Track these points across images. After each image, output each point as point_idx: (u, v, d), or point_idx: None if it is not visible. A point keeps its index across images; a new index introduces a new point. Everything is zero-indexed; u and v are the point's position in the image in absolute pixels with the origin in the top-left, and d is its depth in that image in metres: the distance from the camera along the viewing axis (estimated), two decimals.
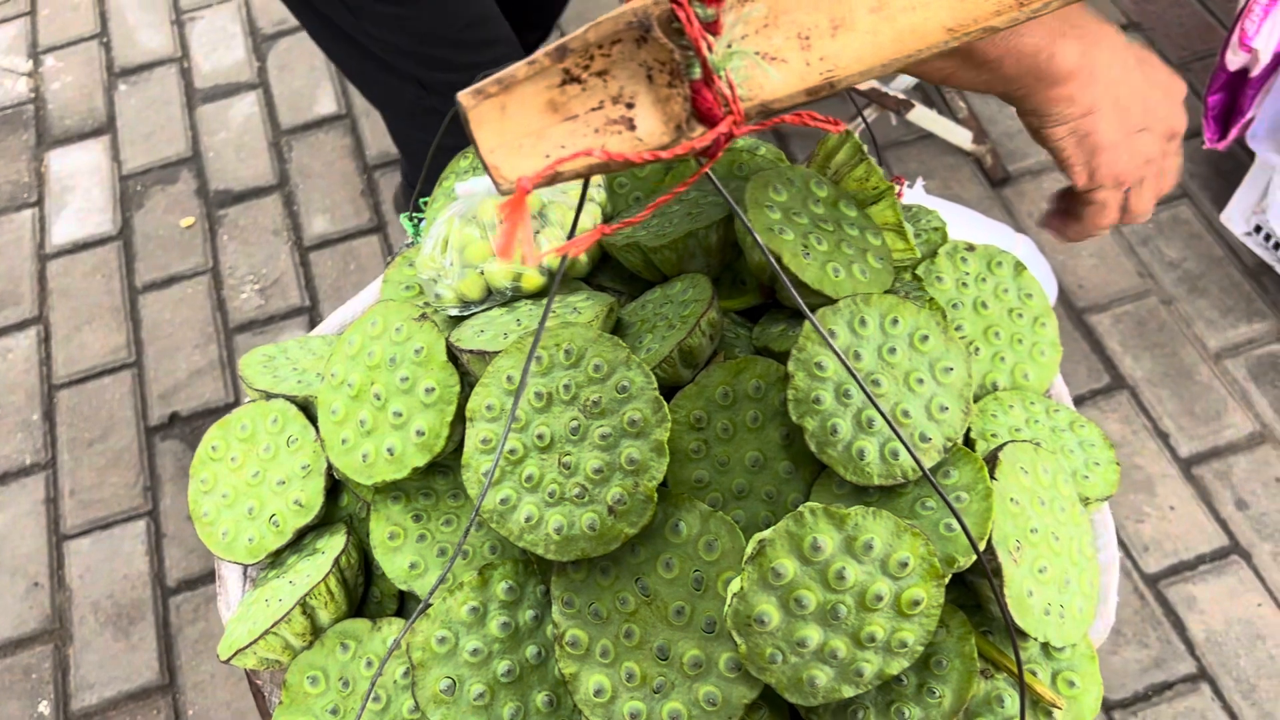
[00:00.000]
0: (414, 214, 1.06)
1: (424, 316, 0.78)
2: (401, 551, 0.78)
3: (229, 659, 0.76)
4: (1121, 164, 0.71)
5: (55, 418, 1.67)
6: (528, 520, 0.66)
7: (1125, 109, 0.69)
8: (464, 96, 0.46)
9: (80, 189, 1.94)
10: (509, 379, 0.71)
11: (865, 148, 0.84)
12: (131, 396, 1.69)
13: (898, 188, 1.04)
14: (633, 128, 0.48)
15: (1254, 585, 1.41)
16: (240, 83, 2.05)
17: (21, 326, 1.77)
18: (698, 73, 0.47)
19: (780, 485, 0.72)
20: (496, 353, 0.72)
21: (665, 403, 0.66)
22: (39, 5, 2.22)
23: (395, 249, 1.79)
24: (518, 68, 0.46)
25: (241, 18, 2.16)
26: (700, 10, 0.46)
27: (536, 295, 0.85)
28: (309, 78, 2.04)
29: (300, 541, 0.84)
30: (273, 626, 0.74)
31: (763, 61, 0.48)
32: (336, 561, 0.77)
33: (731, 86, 0.47)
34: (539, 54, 0.47)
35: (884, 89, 1.71)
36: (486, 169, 0.48)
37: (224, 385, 1.68)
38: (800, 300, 0.54)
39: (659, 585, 0.66)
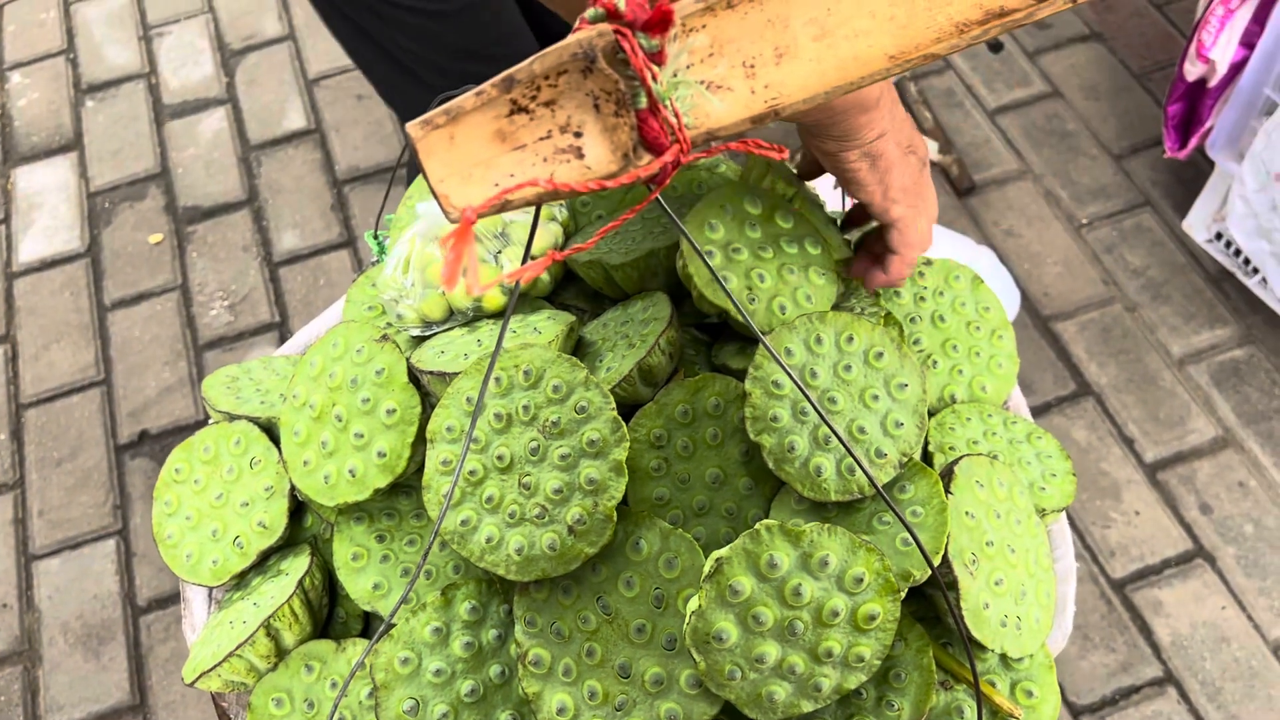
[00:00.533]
0: (378, 232, 1.07)
1: (385, 338, 0.79)
2: (365, 572, 0.78)
3: (193, 681, 0.76)
4: (906, 180, 0.73)
5: (23, 437, 1.66)
6: (488, 541, 0.67)
7: (899, 131, 0.72)
8: (412, 127, 0.47)
9: (47, 206, 1.93)
10: (468, 400, 0.72)
11: (773, 160, 0.85)
12: (100, 415, 1.68)
13: (852, 202, 1.05)
14: (581, 156, 0.49)
15: (1219, 589, 1.42)
16: (209, 98, 2.05)
17: None
18: (643, 102, 0.48)
19: (740, 501, 0.73)
20: (456, 374, 0.72)
21: (624, 422, 0.67)
22: (4, 21, 2.21)
23: (365, 265, 1.79)
24: (465, 98, 0.47)
25: (209, 33, 2.15)
26: (644, 41, 0.47)
27: (498, 315, 0.85)
28: (278, 92, 2.04)
29: (264, 563, 0.84)
30: (237, 649, 0.74)
31: (706, 91, 0.48)
32: (300, 583, 0.77)
33: (677, 115, 0.48)
34: (486, 85, 0.47)
35: None
36: (436, 198, 0.48)
37: (194, 403, 1.68)
38: (755, 328, 0.55)
39: (620, 604, 0.67)
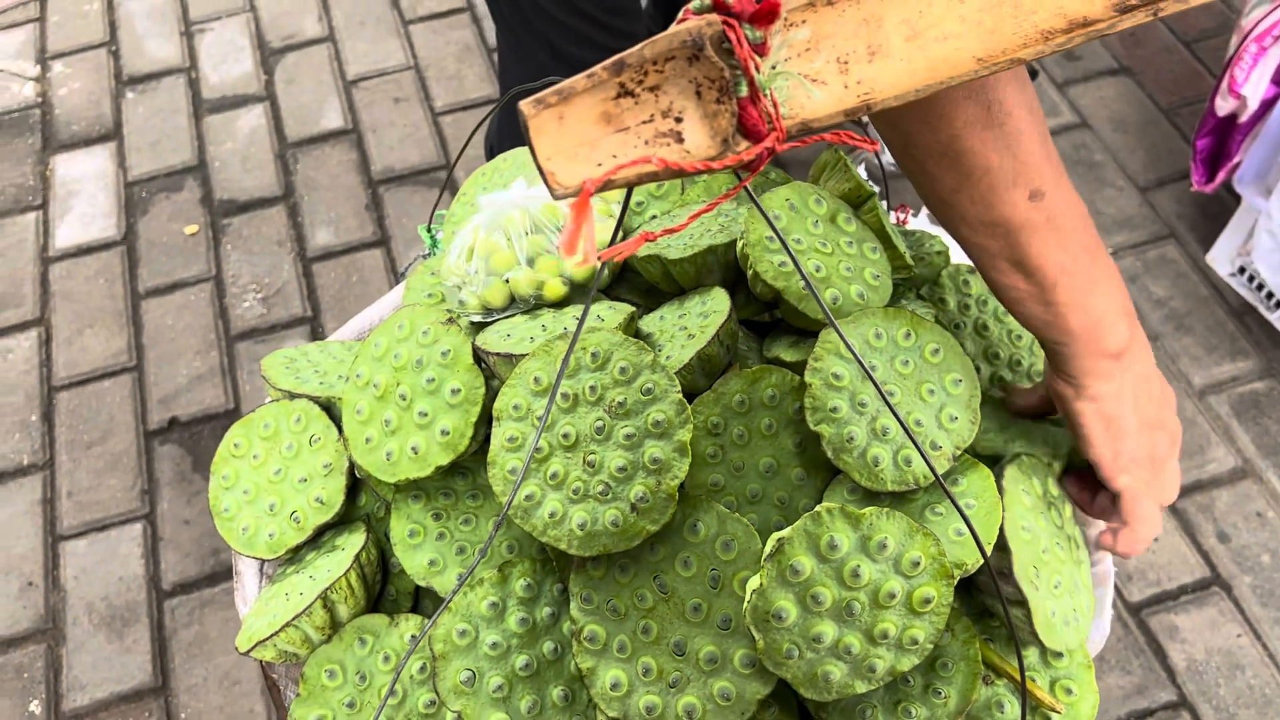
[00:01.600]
0: (430, 226, 1.09)
1: (451, 320, 0.81)
2: (421, 549, 0.80)
3: (248, 650, 0.77)
4: (1141, 452, 0.72)
5: (54, 419, 1.68)
6: (551, 516, 0.69)
7: (1144, 404, 0.71)
8: (525, 105, 0.49)
9: (85, 194, 1.95)
10: (535, 380, 0.74)
11: (845, 157, 0.87)
12: (131, 400, 1.70)
13: (902, 215, 1.08)
14: (680, 140, 0.51)
15: (1234, 616, 1.44)
16: (247, 94, 2.08)
17: (23, 328, 1.78)
18: (745, 91, 0.50)
19: (792, 491, 0.75)
20: (523, 355, 0.75)
21: (688, 405, 0.69)
22: (49, 11, 2.24)
23: (401, 263, 1.82)
24: (577, 80, 0.49)
25: (250, 31, 2.18)
26: (750, 32, 0.49)
27: (558, 304, 0.88)
28: (316, 92, 2.07)
29: (319, 538, 0.85)
30: (294, 619, 0.76)
31: (806, 82, 0.51)
32: (357, 558, 0.79)
33: (775, 105, 0.51)
34: (597, 68, 0.49)
35: None
36: (542, 174, 0.51)
37: (224, 392, 1.70)
38: (830, 316, 0.57)
39: (676, 583, 0.69)
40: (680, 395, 0.68)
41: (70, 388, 1.71)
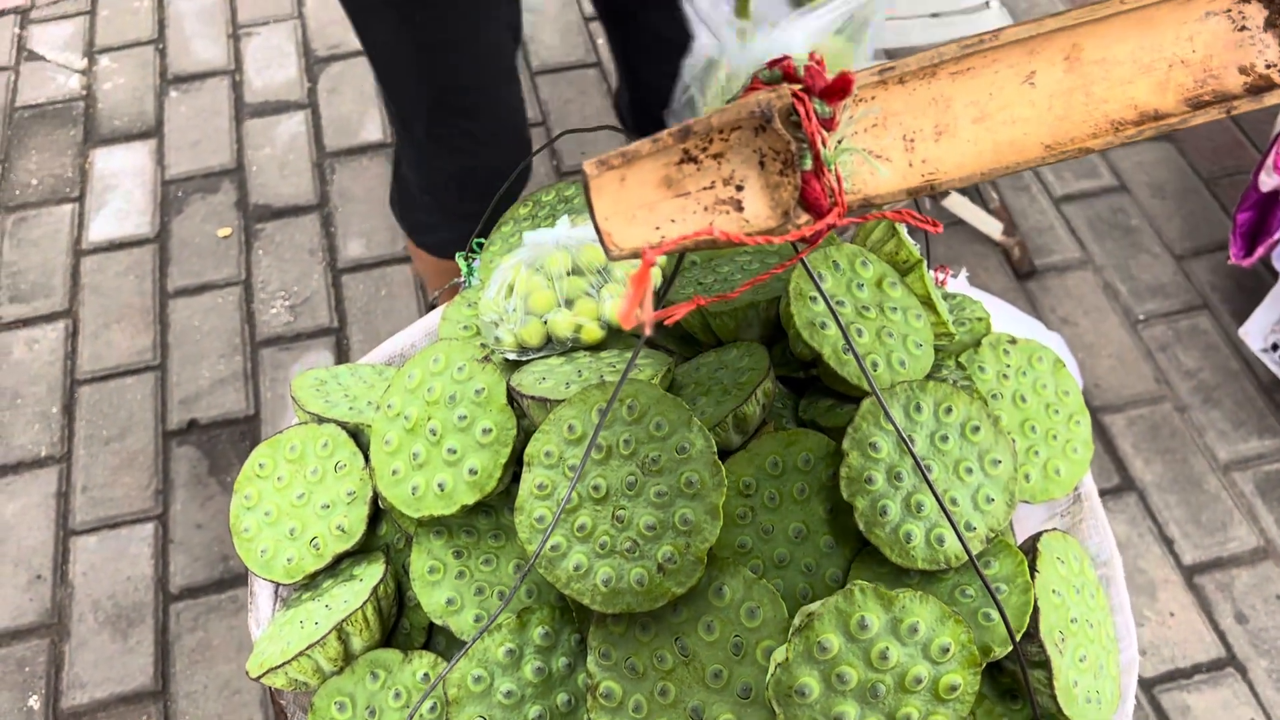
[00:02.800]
0: (469, 255, 1.09)
1: (487, 359, 0.80)
2: (440, 586, 0.79)
3: (259, 676, 0.77)
4: None
5: (75, 412, 1.69)
6: (576, 569, 0.68)
7: None
8: (588, 166, 0.49)
9: (122, 189, 1.96)
10: (570, 428, 0.73)
11: (897, 225, 0.87)
12: (152, 399, 1.70)
13: (941, 275, 1.07)
14: (740, 209, 0.51)
15: (1248, 699, 1.42)
16: (290, 101, 2.09)
17: (50, 319, 1.79)
18: (809, 164, 0.49)
19: (820, 559, 0.74)
20: (559, 401, 0.74)
21: (723, 467, 0.68)
22: (99, 6, 2.26)
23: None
24: (642, 144, 0.49)
25: (297, 38, 2.20)
26: (820, 107, 0.49)
27: (594, 347, 0.87)
28: (358, 103, 2.08)
29: (336, 566, 0.85)
30: (307, 649, 0.75)
31: (872, 159, 0.50)
32: (375, 590, 0.78)
33: (839, 180, 0.50)
34: (663, 134, 0.49)
35: None
36: (599, 234, 0.50)
37: (245, 397, 1.70)
38: (874, 387, 0.57)
39: (698, 646, 0.68)
40: (715, 457, 0.68)
41: (93, 382, 1.72)
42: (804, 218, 0.50)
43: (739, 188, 0.51)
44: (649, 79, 1.48)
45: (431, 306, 1.73)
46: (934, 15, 1.81)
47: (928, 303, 0.84)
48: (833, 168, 0.50)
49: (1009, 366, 0.90)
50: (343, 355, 1.73)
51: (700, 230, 0.48)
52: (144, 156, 2.01)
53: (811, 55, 0.49)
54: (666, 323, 0.52)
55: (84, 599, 1.51)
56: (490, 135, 1.33)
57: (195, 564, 1.54)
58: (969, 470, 0.71)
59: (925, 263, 0.86)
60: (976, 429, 0.72)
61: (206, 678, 1.44)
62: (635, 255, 0.50)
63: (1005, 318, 1.37)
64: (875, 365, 0.77)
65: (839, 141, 0.50)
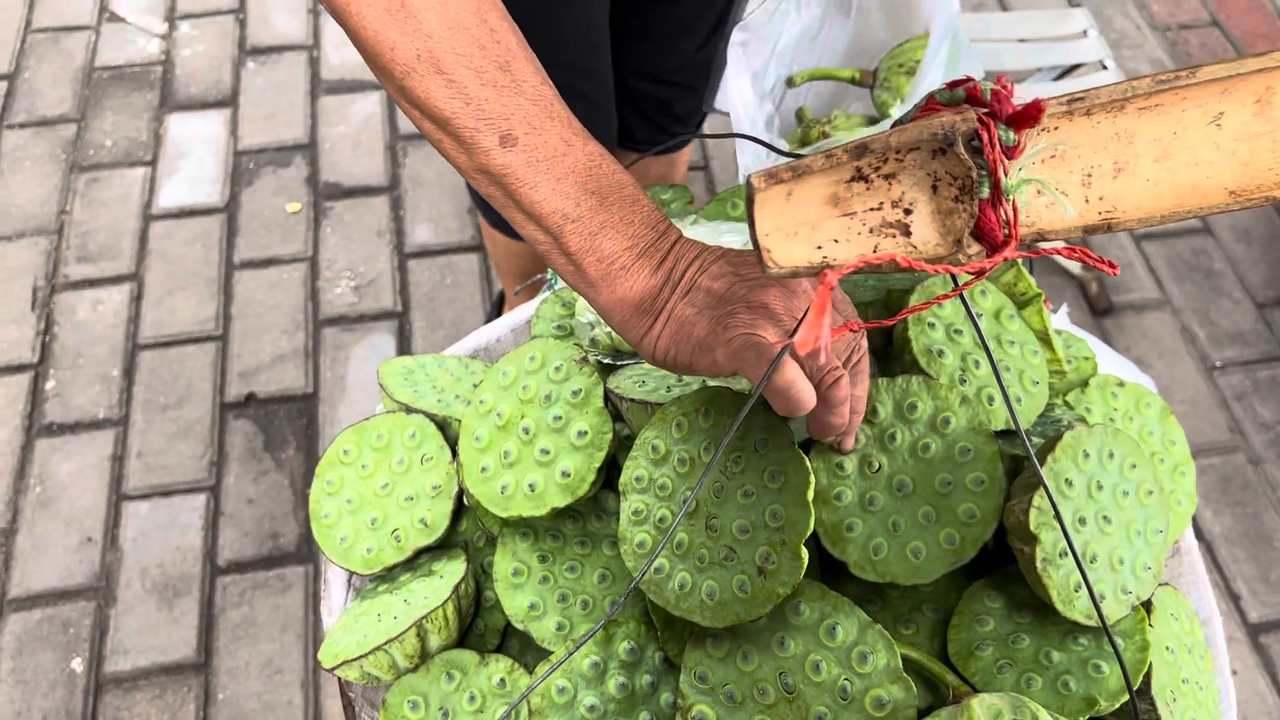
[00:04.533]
0: None
1: (585, 359, 0.78)
2: (523, 590, 0.77)
3: (333, 668, 0.75)
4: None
5: (134, 377, 1.68)
6: (681, 587, 0.66)
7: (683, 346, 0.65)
8: (755, 178, 0.46)
9: (194, 157, 1.96)
10: (654, 449, 0.71)
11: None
12: (212, 369, 1.69)
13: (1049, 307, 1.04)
14: (907, 234, 0.48)
15: None
16: (366, 81, 2.08)
17: (116, 281, 1.79)
18: (987, 192, 0.47)
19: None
20: (659, 405, 0.72)
21: (805, 456, 0.65)
22: None
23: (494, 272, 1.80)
24: (815, 158, 0.47)
25: None
26: (1004, 134, 0.46)
27: None
28: None
29: (415, 560, 0.83)
30: (385, 644, 0.74)
31: (1056, 192, 0.48)
32: (456, 589, 0.76)
33: (1015, 212, 0.47)
34: (837, 149, 0.47)
35: None
36: (758, 250, 0.48)
37: (304, 374, 1.69)
38: (1015, 415, 0.54)
39: (804, 685, 0.65)
40: (794, 445, 0.65)
41: (154, 348, 1.72)
42: (975, 248, 0.48)
43: (908, 211, 0.48)
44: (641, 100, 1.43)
45: (499, 300, 1.72)
46: (1021, 40, 1.78)
47: (1044, 338, 0.82)
48: (1011, 198, 0.47)
49: (1116, 410, 0.87)
50: (404, 340, 1.72)
51: (868, 253, 0.46)
52: (218, 125, 2.01)
53: (999, 79, 0.47)
54: (830, 341, 0.50)
55: (132, 565, 1.50)
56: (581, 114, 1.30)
57: (245, 539, 1.53)
58: (1138, 533, 0.68)
59: (1042, 297, 0.83)
60: (1151, 493, 0.70)
61: (249, 654, 1.43)
62: (795, 274, 0.48)
63: (1106, 359, 1.33)
64: (990, 400, 0.75)
65: (1020, 170, 0.48)
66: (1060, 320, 1.12)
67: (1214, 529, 1.56)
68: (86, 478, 1.58)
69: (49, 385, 1.66)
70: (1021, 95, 0.46)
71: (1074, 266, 1.78)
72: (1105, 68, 1.66)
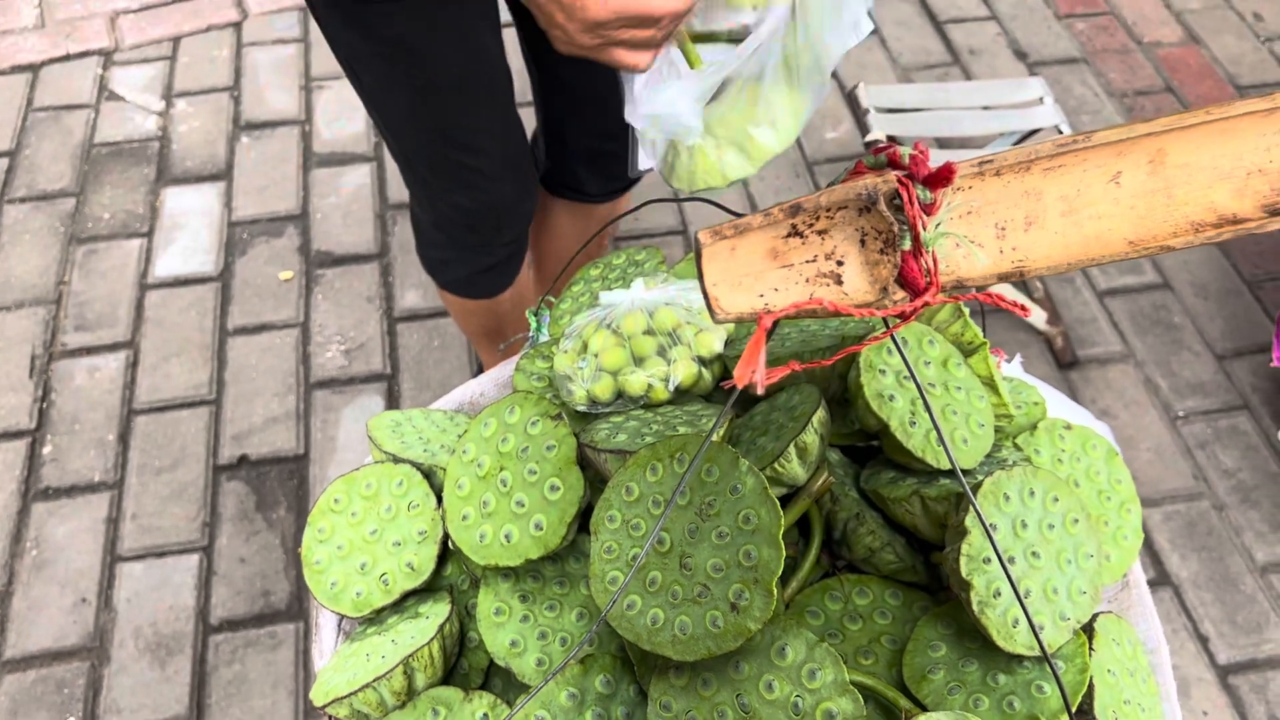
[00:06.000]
0: (537, 311, 1.13)
1: (560, 416, 0.84)
2: (505, 628, 0.81)
3: (325, 705, 0.79)
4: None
5: (130, 441, 1.73)
6: (654, 623, 0.70)
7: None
8: (703, 234, 0.52)
9: (190, 228, 2.03)
10: (627, 491, 0.76)
11: (963, 307, 0.90)
12: (205, 433, 1.74)
13: (997, 359, 1.10)
14: (840, 282, 0.54)
15: None
16: (356, 154, 2.16)
17: (113, 349, 1.84)
18: (909, 245, 0.53)
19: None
20: (634, 453, 0.77)
21: (778, 501, 0.70)
22: (180, 52, 2.36)
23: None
24: (753, 217, 0.52)
25: None
26: (922, 194, 0.52)
27: (656, 405, 0.90)
28: None
29: (402, 603, 0.87)
30: (374, 681, 0.78)
31: (970, 244, 0.54)
32: (441, 628, 0.81)
33: (935, 261, 0.53)
34: (774, 208, 0.53)
35: None
36: (707, 298, 0.54)
37: (296, 436, 1.73)
38: (953, 458, 0.59)
39: (758, 704, 0.70)
40: (767, 491, 0.70)
41: (149, 413, 1.76)
42: (900, 294, 0.54)
43: (840, 262, 0.54)
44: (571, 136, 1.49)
45: (480, 366, 1.77)
46: (985, 108, 1.86)
47: (990, 384, 0.87)
48: (930, 250, 0.53)
49: (1064, 451, 0.93)
50: (393, 401, 1.77)
51: (803, 299, 0.51)
52: (213, 198, 2.08)
53: (916, 145, 0.53)
54: (766, 383, 0.55)
55: (126, 625, 1.53)
56: (492, 170, 1.36)
57: (237, 597, 1.56)
58: (1068, 561, 0.73)
59: (988, 346, 0.89)
60: (1077, 521, 0.75)
61: (241, 711, 1.46)
62: (739, 319, 0.54)
63: (1058, 405, 1.39)
64: (939, 442, 0.80)
65: (937, 225, 0.54)
66: (1014, 369, 1.17)
67: (1181, 573, 1.60)
68: (82, 540, 1.61)
69: (46, 450, 1.71)
70: (938, 159, 0.53)
71: (1039, 322, 1.85)
72: (1060, 132, 1.74)
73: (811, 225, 0.54)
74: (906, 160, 0.52)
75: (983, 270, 0.55)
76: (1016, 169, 0.55)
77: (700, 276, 0.53)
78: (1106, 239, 0.56)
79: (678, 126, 1.09)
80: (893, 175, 0.53)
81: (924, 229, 0.52)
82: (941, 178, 0.52)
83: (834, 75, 1.95)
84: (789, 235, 0.54)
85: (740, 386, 0.48)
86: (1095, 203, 0.56)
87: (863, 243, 0.54)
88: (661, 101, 1.10)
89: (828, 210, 0.53)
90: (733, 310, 0.54)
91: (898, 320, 0.55)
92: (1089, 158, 0.55)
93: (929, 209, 0.53)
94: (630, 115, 1.09)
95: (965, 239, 0.53)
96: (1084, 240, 0.56)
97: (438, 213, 1.40)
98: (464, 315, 1.55)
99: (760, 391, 0.48)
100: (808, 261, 0.54)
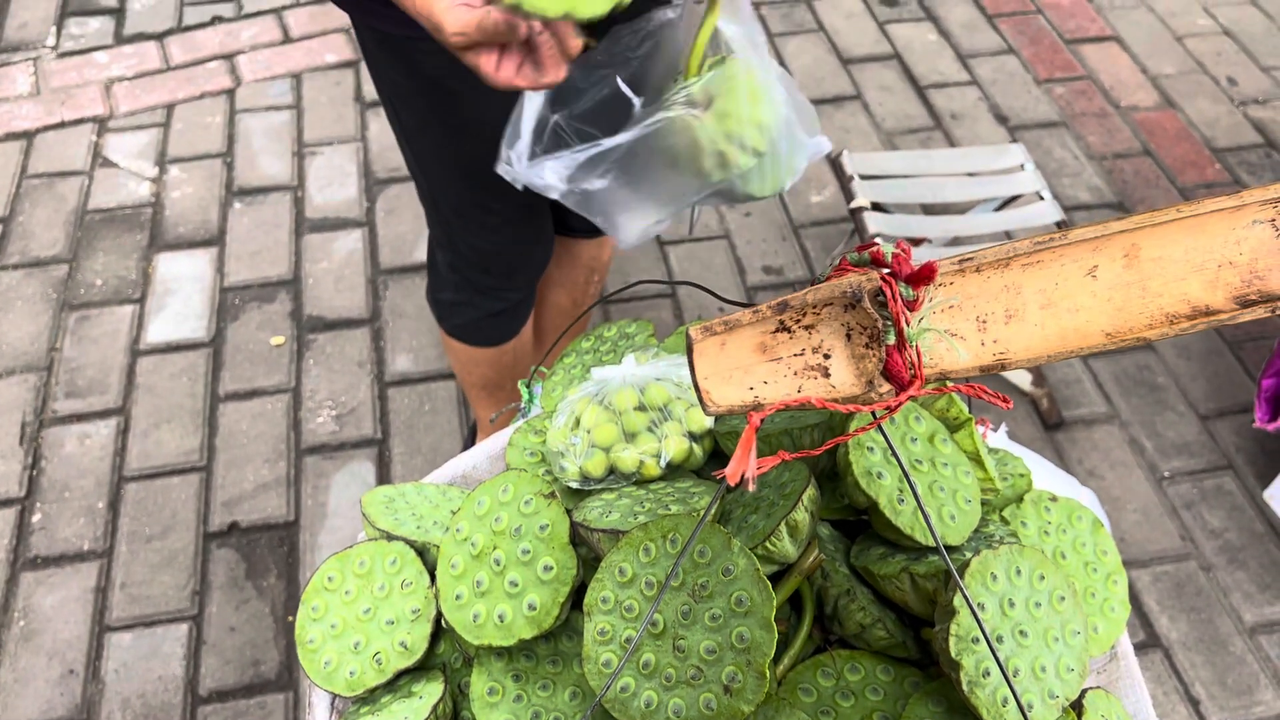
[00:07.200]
0: (529, 383, 1.14)
1: (553, 495, 0.84)
2: (498, 709, 0.81)
3: None
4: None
5: (120, 509, 1.72)
6: (648, 706, 0.70)
7: None
8: (694, 331, 0.54)
9: (182, 294, 2.04)
10: (620, 571, 0.77)
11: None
12: (196, 500, 1.74)
13: (982, 429, 1.12)
14: (827, 375, 0.56)
15: None
16: (348, 219, 2.18)
17: (104, 415, 1.84)
18: (893, 339, 0.54)
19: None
20: (627, 532, 0.78)
21: (769, 582, 0.71)
22: (174, 119, 2.39)
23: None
24: (743, 314, 0.54)
25: (358, 160, 2.30)
26: (904, 290, 0.54)
27: (649, 481, 0.91)
28: (413, 224, 2.17)
29: (395, 682, 0.87)
30: None
31: (950, 338, 0.55)
32: (434, 708, 0.81)
33: (919, 355, 0.55)
34: (762, 306, 0.54)
35: None
36: (698, 392, 0.55)
37: (286, 503, 1.73)
38: (937, 538, 0.61)
39: None
40: (759, 572, 0.71)
41: (140, 480, 1.76)
42: (885, 387, 0.55)
43: (827, 356, 0.56)
44: None
45: (472, 430, 1.78)
46: (969, 174, 1.90)
47: (976, 459, 0.88)
48: (914, 344, 0.55)
49: (1050, 524, 0.94)
50: (384, 466, 1.78)
51: (792, 394, 0.53)
52: (205, 264, 2.10)
53: (899, 244, 0.55)
54: (757, 473, 0.57)
55: (114, 696, 1.52)
56: (513, 215, 1.41)
57: (226, 667, 1.55)
58: (1056, 639, 0.74)
59: (973, 421, 0.90)
60: (1063, 598, 0.76)
61: None
62: (730, 412, 0.55)
63: (1043, 473, 1.41)
64: (927, 519, 0.81)
65: (920, 320, 0.55)
66: (1000, 439, 1.19)
67: (1171, 635, 1.61)
68: (70, 610, 1.60)
69: (35, 519, 1.70)
70: (921, 257, 0.54)
71: (1025, 384, 1.87)
72: (1041, 198, 1.78)
73: (799, 321, 0.55)
74: (890, 258, 0.54)
75: (965, 363, 0.56)
76: (996, 265, 0.57)
77: (692, 370, 0.55)
78: (1085, 331, 0.58)
79: (547, 190, 1.15)
80: (876, 273, 0.55)
81: (907, 325, 0.54)
82: (923, 276, 0.54)
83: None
84: (777, 330, 0.55)
85: (733, 485, 0.49)
86: (1073, 295, 0.58)
87: (849, 337, 0.56)
88: (534, 174, 1.15)
89: (814, 307, 0.55)
90: (724, 403, 0.56)
91: (884, 412, 0.57)
92: (1066, 253, 0.57)
93: (912, 305, 0.55)
94: (509, 176, 1.16)
95: (947, 334, 0.55)
96: (1062, 332, 0.58)
97: (456, 254, 1.45)
98: (468, 365, 1.58)
99: (752, 488, 0.50)
100: (796, 355, 0.56)
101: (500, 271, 1.47)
